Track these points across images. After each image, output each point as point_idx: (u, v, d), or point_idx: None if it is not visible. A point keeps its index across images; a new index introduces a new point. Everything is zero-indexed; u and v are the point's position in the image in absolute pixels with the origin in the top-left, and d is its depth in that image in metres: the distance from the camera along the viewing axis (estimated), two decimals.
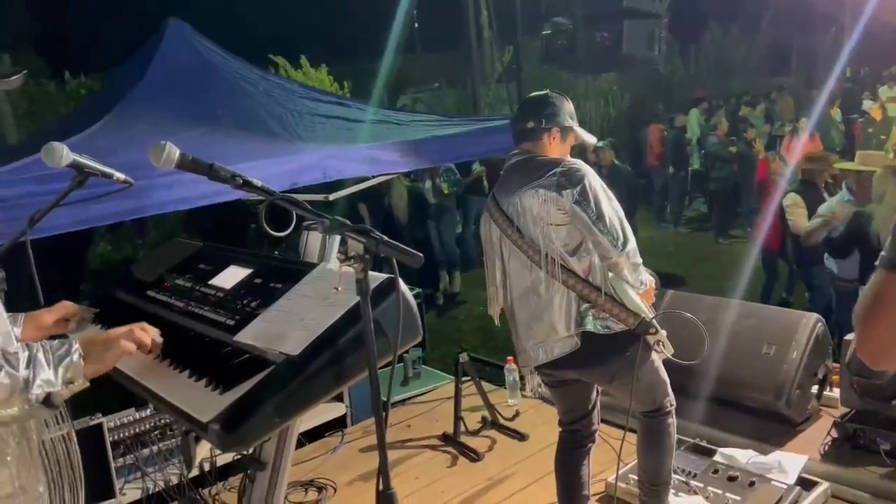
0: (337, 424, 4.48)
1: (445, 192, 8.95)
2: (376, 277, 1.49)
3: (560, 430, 3.05)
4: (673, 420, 2.91)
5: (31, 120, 7.95)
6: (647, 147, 12.14)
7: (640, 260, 2.70)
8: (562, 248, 2.64)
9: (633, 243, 2.66)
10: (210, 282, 1.90)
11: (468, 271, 9.36)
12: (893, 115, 12.34)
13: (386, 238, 1.34)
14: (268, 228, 1.55)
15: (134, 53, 5.44)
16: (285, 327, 1.50)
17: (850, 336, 3.41)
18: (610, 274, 2.65)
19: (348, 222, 1.41)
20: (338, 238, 1.98)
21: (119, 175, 1.79)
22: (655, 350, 2.70)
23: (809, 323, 3.71)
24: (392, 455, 4.06)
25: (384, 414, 1.45)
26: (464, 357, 4.17)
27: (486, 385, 4.43)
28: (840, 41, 18.98)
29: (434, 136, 4.75)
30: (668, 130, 12.01)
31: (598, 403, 3.01)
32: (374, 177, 4.83)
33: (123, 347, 1.47)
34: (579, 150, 10.20)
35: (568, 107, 2.88)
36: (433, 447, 4.12)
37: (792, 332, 3.70)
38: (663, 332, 2.69)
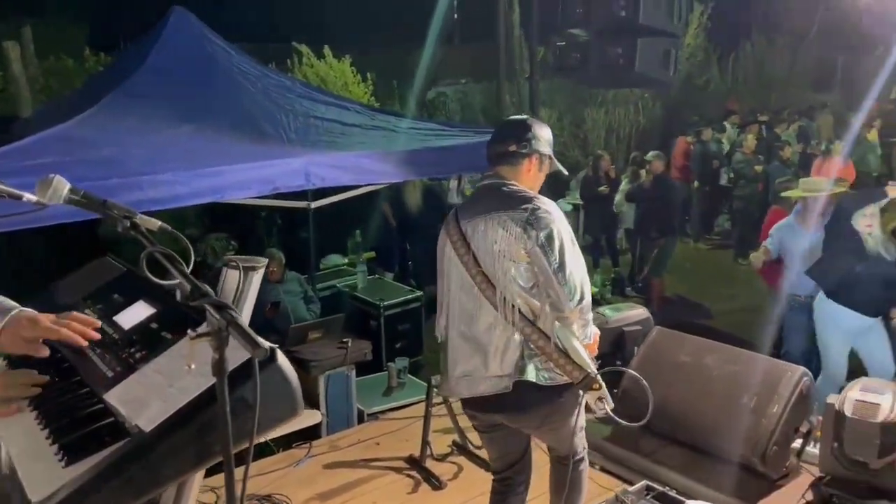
0: (310, 433, 4.41)
1: (468, 193, 8.82)
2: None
3: (492, 479, 2.96)
4: (586, 465, 2.90)
5: (48, 95, 7.96)
6: (671, 159, 11.87)
7: (591, 317, 2.63)
8: (518, 288, 2.54)
9: (588, 300, 2.57)
10: (115, 318, 1.80)
11: None
12: None
13: (238, 321, 1.23)
14: (149, 275, 1.43)
15: (140, 39, 5.39)
16: (151, 393, 1.40)
17: (832, 398, 3.22)
18: (557, 323, 2.54)
19: (211, 292, 1.29)
20: (258, 277, 1.88)
21: (30, 196, 1.70)
22: (597, 406, 2.59)
23: (794, 376, 3.53)
24: (354, 474, 3.98)
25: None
26: (436, 379, 4.04)
27: (456, 406, 4.31)
28: (884, 62, 18.36)
29: (429, 147, 4.63)
30: (696, 144, 11.71)
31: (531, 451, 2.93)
32: (360, 186, 4.73)
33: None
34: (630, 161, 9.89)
35: (547, 134, 2.79)
36: (397, 469, 4.02)
37: (775, 384, 3.52)
38: (605, 388, 2.57)
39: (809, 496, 3.32)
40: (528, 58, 12.37)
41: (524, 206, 2.56)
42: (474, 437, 4.20)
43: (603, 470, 3.83)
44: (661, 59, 5.18)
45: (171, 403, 1.33)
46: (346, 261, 8.61)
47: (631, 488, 3.37)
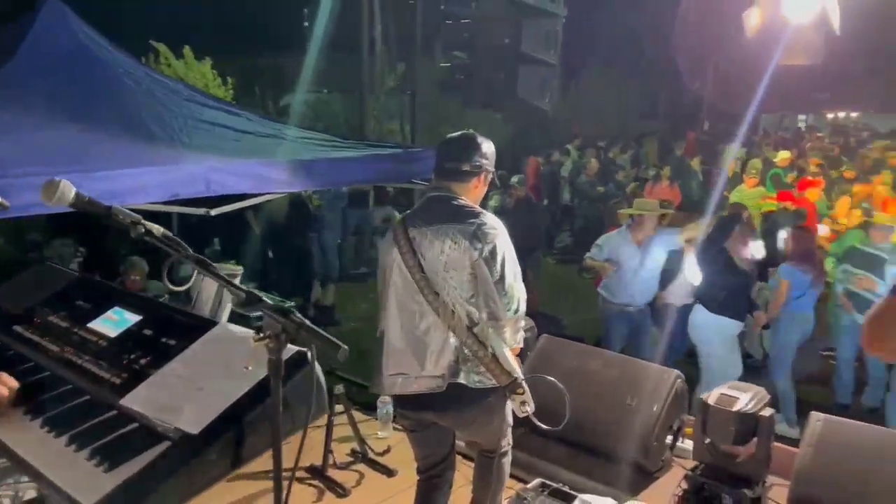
0: None
1: (315, 203, 8.84)
2: (287, 350, 1.42)
3: (417, 478, 3.10)
4: (509, 458, 3.11)
5: None
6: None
7: (523, 323, 2.85)
8: (461, 297, 2.71)
9: (523, 309, 2.78)
10: (90, 325, 1.74)
11: (343, 283, 9.27)
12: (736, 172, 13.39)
13: (308, 323, 1.29)
14: (169, 284, 1.43)
15: (6, 26, 4.95)
16: (180, 396, 1.40)
17: (704, 394, 3.65)
18: (492, 330, 2.74)
19: (266, 298, 1.33)
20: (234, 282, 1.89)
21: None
22: (520, 410, 2.82)
23: (670, 378, 3.95)
24: (253, 486, 3.90)
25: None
26: (339, 389, 4.09)
27: (358, 415, 4.36)
28: (702, 97, 20.59)
29: (326, 157, 4.66)
30: (545, 165, 12.50)
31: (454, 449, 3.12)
32: (260, 194, 4.66)
33: None
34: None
35: (492, 150, 2.98)
36: (299, 479, 4.00)
37: (654, 386, 3.92)
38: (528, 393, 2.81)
39: (684, 485, 3.74)
40: (390, 73, 12.64)
41: (472, 221, 2.74)
42: (375, 445, 4.29)
43: None
44: (538, 86, 5.55)
45: (212, 406, 1.35)
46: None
47: (528, 486, 3.61)
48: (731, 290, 5.08)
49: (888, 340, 1.94)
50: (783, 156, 12.12)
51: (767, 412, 3.54)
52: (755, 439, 3.54)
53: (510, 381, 2.72)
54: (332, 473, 4.02)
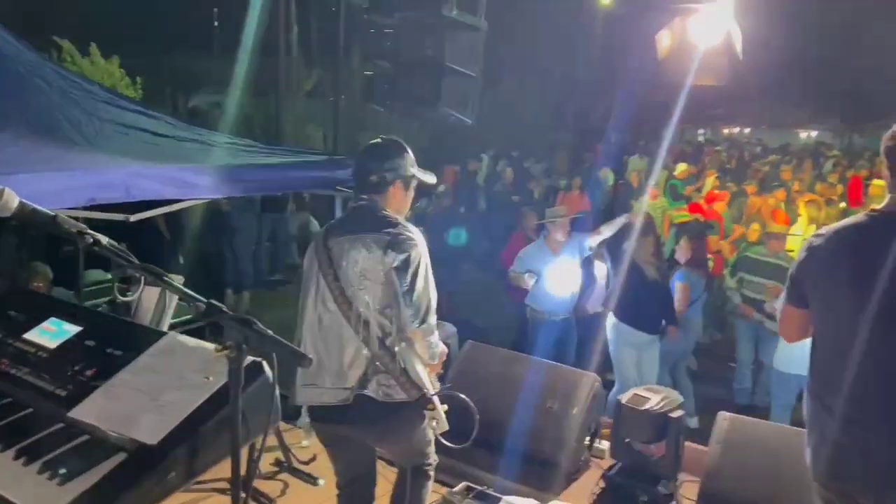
0: None
1: (224, 208, 8.66)
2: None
3: (336, 493, 3.07)
4: (430, 478, 3.06)
5: None
6: None
7: (435, 339, 2.81)
8: (374, 308, 2.70)
9: (430, 324, 2.74)
10: (26, 336, 1.69)
11: (257, 290, 9.09)
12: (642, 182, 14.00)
13: (271, 333, 1.31)
14: (120, 296, 1.42)
15: None
16: (134, 407, 1.39)
17: (624, 398, 3.84)
18: (403, 343, 2.73)
19: (226, 309, 1.35)
20: (176, 297, 1.87)
21: None
22: (430, 426, 2.84)
23: (589, 381, 4.12)
24: (175, 499, 3.81)
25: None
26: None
27: (281, 424, 4.32)
28: (611, 110, 21.37)
29: (252, 164, 4.60)
30: (461, 173, 12.66)
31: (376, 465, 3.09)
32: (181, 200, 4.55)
33: None
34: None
35: (407, 156, 2.92)
36: (222, 490, 3.92)
37: (574, 389, 4.09)
38: (441, 409, 2.82)
39: (602, 484, 3.92)
40: (306, 78, 12.52)
41: (388, 231, 2.72)
42: (299, 454, 4.26)
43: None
44: (460, 97, 5.67)
45: (170, 416, 1.35)
46: (110, 276, 8.01)
47: (454, 489, 3.69)
48: (645, 303, 5.32)
49: (800, 335, 2.54)
50: (681, 168, 12.80)
51: (677, 413, 3.75)
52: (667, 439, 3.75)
53: (419, 397, 2.72)
54: (257, 483, 3.97)
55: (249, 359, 1.47)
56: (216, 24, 19.24)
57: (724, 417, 3.75)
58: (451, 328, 4.92)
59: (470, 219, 12.92)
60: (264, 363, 1.44)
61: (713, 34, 4.93)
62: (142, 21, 12.34)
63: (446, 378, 4.41)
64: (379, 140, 2.99)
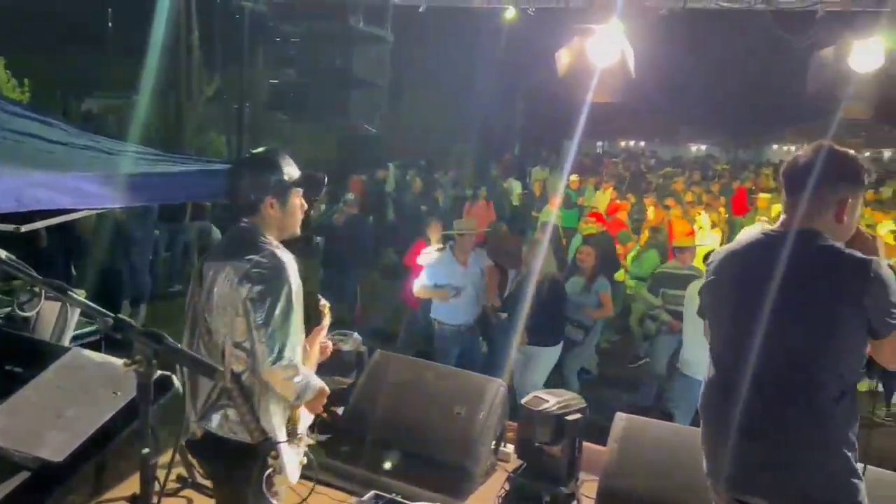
0: None
1: (120, 217, 8.33)
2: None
3: None
4: None
5: None
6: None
7: (300, 379, 2.53)
8: (231, 340, 2.52)
9: (289, 361, 2.49)
10: None
11: (154, 302, 8.77)
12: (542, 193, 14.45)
13: (181, 347, 1.32)
14: (19, 310, 1.40)
15: None
16: (39, 424, 1.36)
17: (524, 399, 3.97)
18: (258, 380, 2.52)
19: (135, 323, 1.34)
20: (77, 311, 1.84)
21: None
22: (277, 482, 2.59)
23: (495, 387, 4.24)
24: None
25: None
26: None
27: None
28: (516, 121, 21.93)
29: (151, 172, 4.47)
30: (369, 182, 12.67)
31: None
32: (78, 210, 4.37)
33: None
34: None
35: (279, 168, 2.66)
36: None
37: (480, 394, 4.19)
38: (288, 461, 2.59)
39: (507, 486, 4.02)
40: (206, 83, 12.22)
41: (248, 258, 2.50)
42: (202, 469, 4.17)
43: (331, 486, 4.11)
44: (368, 107, 5.72)
45: (77, 432, 1.34)
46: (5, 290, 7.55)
47: (363, 498, 3.71)
48: (553, 314, 5.53)
49: None
50: (573, 179, 13.37)
51: (575, 416, 3.89)
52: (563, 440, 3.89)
53: (263, 440, 2.50)
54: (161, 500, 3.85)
55: (158, 372, 1.47)
56: (110, 24, 18.45)
57: (620, 418, 3.94)
58: (357, 337, 4.93)
59: (378, 228, 12.96)
60: (174, 377, 1.44)
61: (608, 54, 5.21)
62: (29, 19, 11.71)
63: (353, 389, 4.44)
64: (248, 155, 2.83)
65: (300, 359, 2.58)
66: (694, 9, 5.95)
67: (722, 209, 11.15)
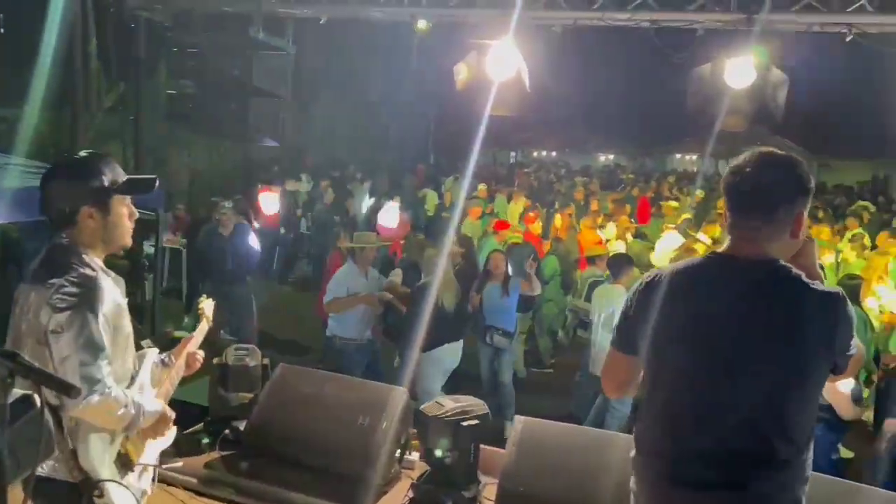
0: None
1: (13, 235, 7.95)
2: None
3: None
4: None
5: None
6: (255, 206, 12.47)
7: (122, 411, 2.32)
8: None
9: (105, 395, 2.25)
10: None
11: None
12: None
13: (37, 366, 1.31)
14: None
15: None
16: None
17: (423, 406, 4.04)
18: (72, 415, 2.30)
19: None
20: None
21: None
22: None
23: (398, 395, 4.28)
24: None
25: None
26: None
27: None
28: (428, 133, 22.14)
29: (34, 186, 4.31)
30: (281, 193, 12.52)
31: None
32: None
33: None
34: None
35: (108, 171, 2.41)
36: None
37: (384, 404, 4.22)
38: (119, 497, 2.39)
39: (410, 494, 4.07)
40: (106, 93, 11.80)
41: (52, 282, 2.25)
42: None
43: (233, 503, 4.04)
44: (271, 118, 5.70)
45: None
46: None
47: None
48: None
49: (623, 387, 2.43)
50: (481, 188, 13.71)
51: (471, 422, 3.97)
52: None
53: (83, 479, 2.30)
54: None
55: (19, 392, 1.45)
56: (1, 30, 17.49)
57: (518, 420, 4.05)
58: (255, 351, 4.88)
59: (291, 240, 12.81)
60: (35, 396, 1.42)
61: (505, 69, 5.38)
62: None
63: (256, 401, 4.39)
64: (62, 159, 2.64)
65: (143, 383, 2.46)
66: (586, 26, 6.23)
67: (625, 217, 11.60)
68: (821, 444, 3.60)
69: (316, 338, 8.65)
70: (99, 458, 2.33)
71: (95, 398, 2.22)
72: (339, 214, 12.26)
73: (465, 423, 3.79)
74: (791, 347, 2.03)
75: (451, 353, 6.16)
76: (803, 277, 2.07)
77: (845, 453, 6.21)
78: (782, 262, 2.11)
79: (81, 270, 2.30)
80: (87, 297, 2.26)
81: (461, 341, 6.32)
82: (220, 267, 8.09)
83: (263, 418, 4.27)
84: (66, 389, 1.31)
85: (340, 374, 4.55)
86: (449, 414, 3.80)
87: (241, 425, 4.36)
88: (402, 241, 8.92)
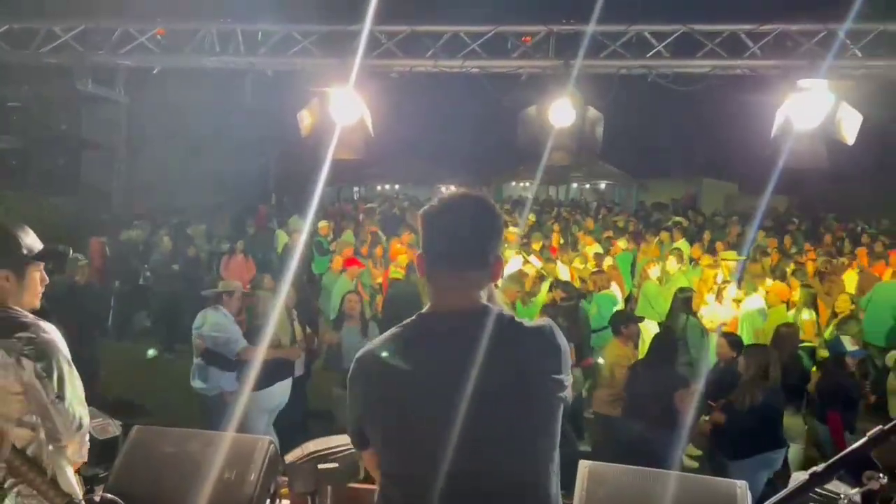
0: None
1: None
2: None
3: None
4: None
5: None
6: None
7: (87, 439, 2.77)
8: (9, 420, 2.47)
9: (86, 423, 2.66)
10: None
11: None
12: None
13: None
14: None
15: None
16: None
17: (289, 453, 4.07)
18: (50, 448, 2.58)
19: None
20: None
21: None
22: None
23: (263, 445, 4.25)
24: None
25: None
26: None
27: None
28: (270, 174, 21.82)
29: None
30: (113, 244, 11.81)
31: None
32: None
33: None
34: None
35: (25, 240, 2.64)
36: None
37: (249, 455, 4.18)
38: None
39: None
40: None
41: (19, 335, 2.47)
42: None
43: None
44: (103, 168, 5.53)
45: None
46: None
47: None
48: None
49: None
50: (322, 224, 13.90)
51: (329, 465, 4.03)
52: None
53: (67, 502, 2.55)
54: None
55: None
56: None
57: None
58: (115, 421, 4.67)
59: (128, 292, 12.08)
60: None
61: (348, 114, 5.56)
62: None
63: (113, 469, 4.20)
64: None
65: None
66: (419, 72, 6.62)
67: None
68: None
69: (177, 393, 8.29)
70: (74, 481, 2.66)
71: (84, 430, 2.67)
72: (177, 262, 11.77)
73: (322, 466, 3.87)
74: (518, 397, 1.92)
75: (280, 392, 6.26)
76: (514, 317, 2.00)
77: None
78: (489, 304, 2.02)
79: (39, 321, 2.55)
80: (58, 342, 2.59)
81: (290, 379, 6.46)
82: (68, 324, 7.55)
83: (121, 485, 4.09)
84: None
85: (202, 430, 4.43)
86: (305, 459, 3.87)
87: (97, 497, 4.15)
88: (247, 286, 8.75)
